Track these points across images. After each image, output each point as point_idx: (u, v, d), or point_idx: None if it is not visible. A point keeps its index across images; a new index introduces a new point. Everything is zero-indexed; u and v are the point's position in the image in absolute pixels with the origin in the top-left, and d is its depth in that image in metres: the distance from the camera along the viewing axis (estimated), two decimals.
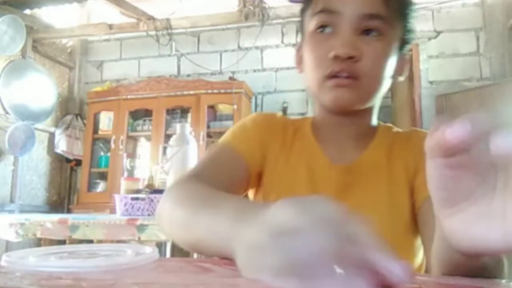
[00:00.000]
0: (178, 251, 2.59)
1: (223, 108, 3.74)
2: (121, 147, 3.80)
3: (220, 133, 3.19)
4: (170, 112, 3.84)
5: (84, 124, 4.11)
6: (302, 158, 0.72)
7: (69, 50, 4.42)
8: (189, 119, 3.72)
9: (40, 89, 3.85)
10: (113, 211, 2.22)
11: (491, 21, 3.46)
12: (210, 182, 0.60)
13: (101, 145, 4.04)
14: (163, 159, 2.18)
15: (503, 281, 0.38)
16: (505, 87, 2.99)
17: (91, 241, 1.85)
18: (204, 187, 0.57)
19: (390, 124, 0.77)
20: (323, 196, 0.31)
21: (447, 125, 0.27)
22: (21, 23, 3.56)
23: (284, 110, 3.71)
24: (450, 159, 0.29)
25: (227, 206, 0.44)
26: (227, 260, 0.38)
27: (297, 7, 0.74)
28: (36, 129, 3.80)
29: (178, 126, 2.13)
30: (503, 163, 0.28)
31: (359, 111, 0.69)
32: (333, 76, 0.64)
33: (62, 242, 1.96)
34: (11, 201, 3.68)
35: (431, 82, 3.60)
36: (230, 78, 3.85)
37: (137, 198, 1.91)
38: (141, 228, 1.71)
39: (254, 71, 4.01)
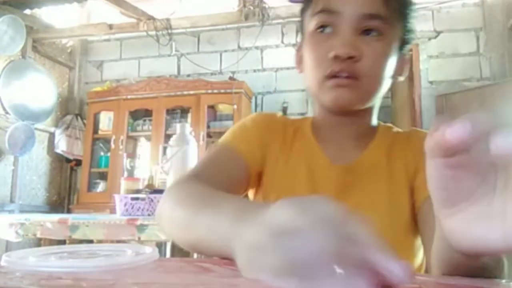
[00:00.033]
0: (178, 251, 2.59)
1: (223, 108, 3.74)
2: (121, 147, 3.79)
3: (220, 133, 3.19)
4: (170, 112, 3.84)
5: (84, 124, 4.11)
6: (302, 158, 0.71)
7: (69, 50, 4.42)
8: (189, 119, 3.72)
9: (40, 89, 3.84)
10: (113, 211, 2.22)
11: (491, 21, 3.46)
12: (210, 182, 0.59)
13: (101, 145, 4.04)
14: (163, 159, 2.18)
15: (503, 281, 0.38)
16: (505, 87, 2.99)
17: (91, 241, 1.85)
18: (204, 187, 0.57)
19: (390, 124, 0.77)
20: (323, 196, 0.31)
21: (447, 125, 0.27)
22: (21, 23, 3.56)
23: (284, 110, 3.71)
24: (450, 159, 0.29)
25: (227, 206, 0.44)
26: (227, 260, 0.38)
27: (297, 7, 0.74)
28: (36, 129, 3.80)
29: (178, 126, 2.12)
30: (503, 163, 0.28)
31: (359, 111, 0.69)
32: (333, 76, 0.64)
33: (62, 242, 1.96)
34: (11, 201, 3.68)
35: (431, 82, 3.59)
36: (230, 78, 3.84)
37: (137, 198, 1.91)
38: (141, 228, 1.72)
39: (254, 71, 4.01)
